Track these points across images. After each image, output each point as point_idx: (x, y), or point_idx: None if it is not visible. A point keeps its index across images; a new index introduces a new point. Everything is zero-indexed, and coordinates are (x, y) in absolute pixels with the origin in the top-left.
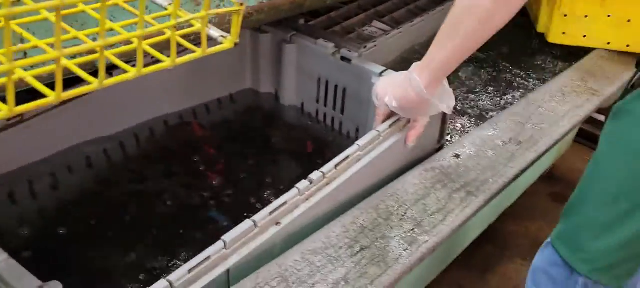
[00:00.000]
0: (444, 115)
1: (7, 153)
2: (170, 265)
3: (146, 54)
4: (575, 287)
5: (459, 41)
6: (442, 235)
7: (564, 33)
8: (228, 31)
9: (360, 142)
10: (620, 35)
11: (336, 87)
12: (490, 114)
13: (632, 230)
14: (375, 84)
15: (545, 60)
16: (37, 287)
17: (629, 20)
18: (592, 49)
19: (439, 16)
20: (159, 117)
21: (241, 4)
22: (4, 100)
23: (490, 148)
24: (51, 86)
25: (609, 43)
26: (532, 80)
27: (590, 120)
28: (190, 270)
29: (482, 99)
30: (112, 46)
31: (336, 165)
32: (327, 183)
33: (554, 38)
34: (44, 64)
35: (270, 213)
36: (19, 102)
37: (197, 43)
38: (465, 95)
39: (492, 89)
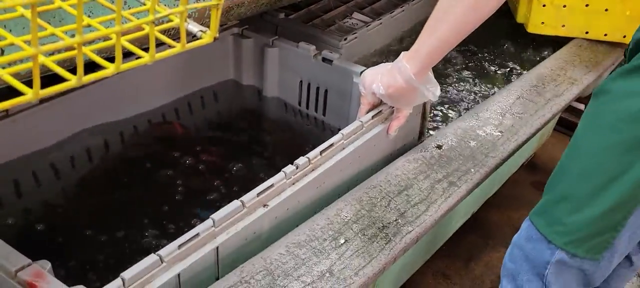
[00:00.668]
0: (424, 107)
1: None
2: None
3: (128, 50)
4: (551, 259)
5: (448, 28)
6: (425, 226)
7: (543, 23)
8: (208, 26)
9: (344, 131)
10: (598, 25)
11: (318, 88)
12: (471, 104)
13: (607, 203)
14: (362, 73)
15: (524, 50)
16: (26, 265)
17: (606, 10)
18: (571, 39)
19: (419, 7)
20: (143, 113)
21: None
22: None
23: (472, 138)
24: (30, 84)
25: (587, 32)
26: (511, 69)
27: (569, 109)
28: (180, 246)
29: (461, 89)
30: (90, 42)
31: (321, 152)
32: (313, 169)
33: (533, 28)
34: (21, 61)
35: (258, 194)
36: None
37: (177, 38)
38: (445, 85)
39: (471, 78)
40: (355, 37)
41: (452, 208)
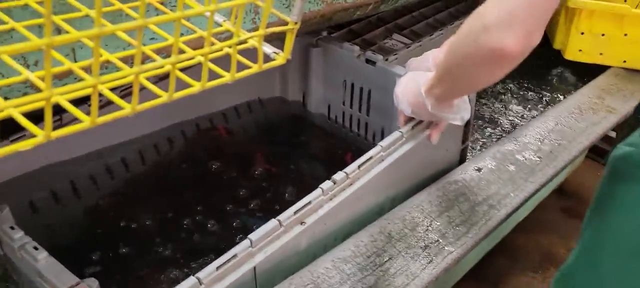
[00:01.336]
0: (465, 130)
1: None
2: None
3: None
4: None
5: (455, 83)
6: (466, 247)
7: (580, 50)
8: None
9: (383, 143)
10: (636, 54)
11: (361, 89)
12: (508, 127)
13: None
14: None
15: (560, 77)
16: (75, 284)
17: None
18: (608, 67)
19: (457, 30)
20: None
21: (295, 23)
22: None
23: (511, 162)
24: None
25: (625, 61)
26: (548, 96)
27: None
28: (218, 268)
29: (499, 114)
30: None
31: (359, 166)
32: (351, 184)
33: (570, 55)
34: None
35: (295, 212)
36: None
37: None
38: (484, 109)
39: (509, 103)
40: (396, 58)
41: (491, 232)
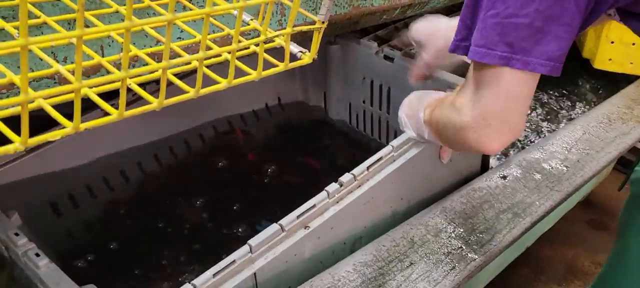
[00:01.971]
0: None
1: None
2: None
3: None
4: None
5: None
6: (490, 255)
7: (610, 60)
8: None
9: (395, 142)
10: None
11: (381, 86)
12: (534, 136)
13: None
14: (400, 107)
15: (588, 86)
16: None
17: None
18: (638, 77)
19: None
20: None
21: (323, 22)
22: (70, 116)
23: (537, 171)
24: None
25: None
26: (576, 105)
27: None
28: (214, 274)
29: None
30: (208, 58)
31: (368, 167)
32: (359, 186)
33: (599, 64)
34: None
35: (298, 216)
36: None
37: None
38: None
39: (535, 112)
40: (414, 52)
41: (516, 240)
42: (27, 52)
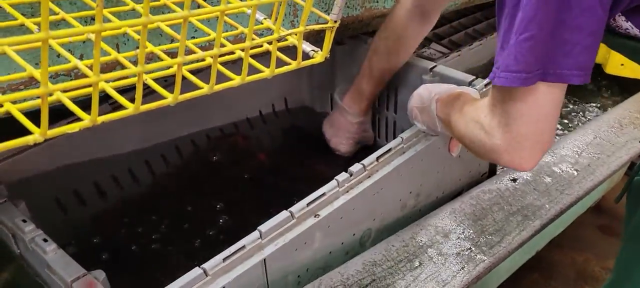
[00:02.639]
0: None
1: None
2: None
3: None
4: None
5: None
6: (498, 256)
7: (622, 65)
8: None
9: (404, 135)
10: None
11: (388, 86)
12: None
13: None
14: (410, 100)
15: (600, 90)
16: (81, 275)
17: None
18: None
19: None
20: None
21: (335, 22)
22: (88, 109)
23: (547, 174)
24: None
25: None
26: (587, 109)
27: None
28: (224, 259)
29: None
30: (222, 55)
31: (378, 158)
32: (369, 176)
33: (611, 69)
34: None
35: (308, 204)
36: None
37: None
38: None
39: None
40: (435, 66)
41: (525, 242)
42: (48, 45)
